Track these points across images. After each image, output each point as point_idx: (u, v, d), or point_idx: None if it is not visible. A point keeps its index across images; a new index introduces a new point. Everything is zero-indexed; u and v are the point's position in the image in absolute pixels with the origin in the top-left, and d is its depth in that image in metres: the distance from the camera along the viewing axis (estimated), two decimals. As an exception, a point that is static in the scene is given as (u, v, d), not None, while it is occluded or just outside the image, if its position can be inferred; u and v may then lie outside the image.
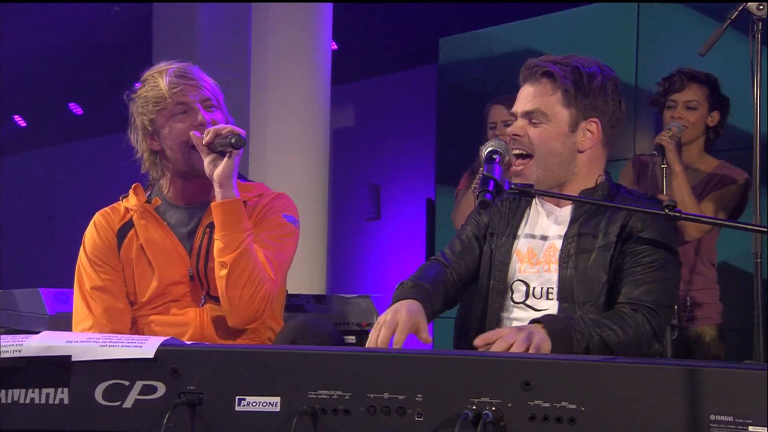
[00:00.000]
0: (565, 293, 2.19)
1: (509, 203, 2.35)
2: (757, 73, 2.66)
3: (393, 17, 7.47)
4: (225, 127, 2.27)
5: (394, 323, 2.03)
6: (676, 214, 1.98)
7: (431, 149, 6.13)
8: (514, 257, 2.28)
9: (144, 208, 2.38)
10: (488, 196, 1.94)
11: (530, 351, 1.90)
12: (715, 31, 2.76)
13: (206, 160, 2.28)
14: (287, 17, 5.52)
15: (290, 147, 5.46)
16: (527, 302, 2.24)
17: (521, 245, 2.29)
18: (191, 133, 2.30)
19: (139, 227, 2.36)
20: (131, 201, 2.40)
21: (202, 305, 2.33)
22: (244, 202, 2.36)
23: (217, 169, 2.26)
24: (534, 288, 2.24)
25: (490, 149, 2.13)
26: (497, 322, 2.26)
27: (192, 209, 2.39)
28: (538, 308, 2.23)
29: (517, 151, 2.25)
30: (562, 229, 2.26)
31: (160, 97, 2.30)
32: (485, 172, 2.00)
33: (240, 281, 2.21)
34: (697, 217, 2.21)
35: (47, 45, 8.43)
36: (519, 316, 2.25)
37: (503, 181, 2.01)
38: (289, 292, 3.64)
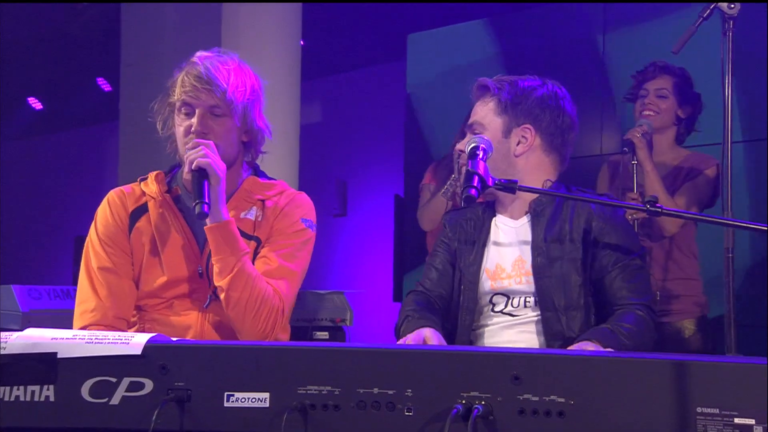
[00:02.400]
0: (546, 302, 2.28)
1: (474, 222, 2.45)
2: (728, 72, 2.71)
3: (361, 13, 7.47)
4: (195, 159, 2.20)
5: (421, 340, 2.12)
6: (658, 209, 2.01)
7: (399, 145, 6.15)
8: (483, 276, 2.37)
9: (164, 198, 2.33)
10: (473, 192, 1.97)
11: None
12: (688, 29, 2.80)
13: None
14: (256, 14, 5.50)
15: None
16: (505, 311, 2.34)
17: (489, 263, 2.38)
18: (177, 156, 2.28)
19: (154, 215, 2.30)
20: (151, 187, 2.34)
21: (207, 306, 2.29)
22: (263, 201, 2.33)
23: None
24: (513, 299, 2.33)
25: (473, 145, 2.16)
26: (468, 340, 2.36)
27: None
28: (516, 314, 2.33)
29: (461, 163, 2.36)
30: (526, 241, 2.36)
31: (172, 88, 2.29)
32: (469, 168, 2.03)
33: (240, 303, 2.19)
34: (680, 213, 2.24)
35: (9, 38, 8.31)
36: (499, 321, 2.35)
37: (487, 177, 2.03)
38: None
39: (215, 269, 2.22)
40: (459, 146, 2.40)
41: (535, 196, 2.37)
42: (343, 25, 7.84)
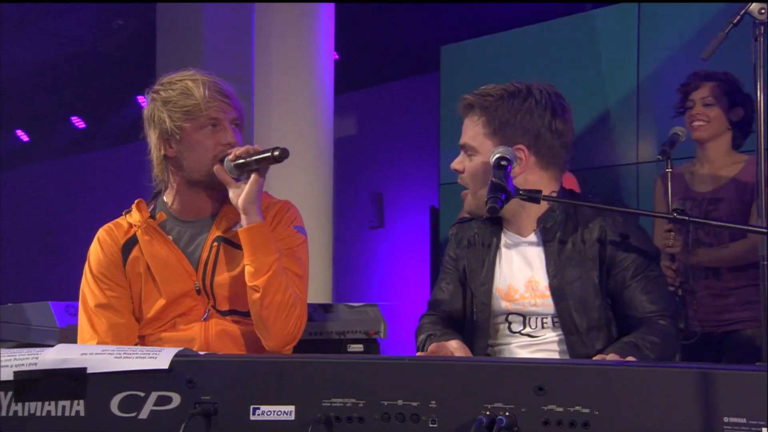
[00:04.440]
0: (567, 325, 2.23)
1: (481, 238, 2.37)
2: (760, 77, 2.67)
3: (395, 26, 7.50)
4: (256, 147, 2.26)
5: (449, 352, 2.09)
6: (684, 217, 1.99)
7: (434, 157, 6.15)
8: (496, 294, 2.31)
9: (148, 224, 2.34)
10: (498, 203, 1.96)
11: None
12: (718, 34, 2.77)
13: (231, 191, 2.26)
14: (289, 28, 5.54)
15: (294, 157, 5.43)
16: (524, 331, 2.29)
17: (500, 283, 2.31)
18: (215, 167, 2.27)
19: (143, 243, 2.32)
20: (134, 217, 2.35)
21: (205, 319, 2.31)
22: None
23: (240, 196, 2.24)
24: (529, 319, 2.28)
25: (498, 155, 2.14)
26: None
27: (198, 223, 2.36)
28: (536, 335, 2.28)
29: (460, 183, 2.32)
30: (537, 260, 2.28)
31: (194, 107, 2.26)
32: (494, 179, 2.01)
33: (274, 304, 2.20)
34: (704, 221, 2.20)
35: (50, 58, 8.47)
36: (518, 341, 2.30)
37: (511, 187, 2.02)
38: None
39: (249, 270, 2.22)
40: (455, 165, 2.32)
41: (543, 211, 2.28)
42: (377, 38, 7.87)
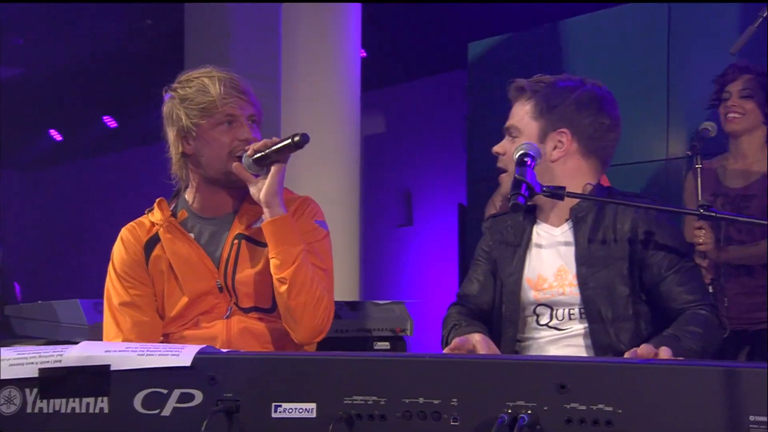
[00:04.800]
0: (592, 314, 2.22)
1: (514, 230, 2.39)
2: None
3: (421, 22, 7.48)
4: (273, 139, 2.26)
5: (470, 346, 2.08)
6: (711, 213, 1.96)
7: (462, 154, 6.13)
8: (525, 285, 2.32)
9: (169, 222, 2.35)
10: (521, 200, 1.95)
11: None
12: (747, 29, 2.74)
13: (251, 187, 2.26)
14: (316, 27, 5.55)
15: (321, 154, 5.48)
16: (551, 324, 2.29)
17: (530, 273, 2.32)
18: (234, 165, 2.27)
19: (165, 241, 2.33)
20: (156, 215, 2.36)
21: (228, 317, 2.31)
22: None
23: (262, 190, 2.24)
24: (557, 310, 2.28)
25: (521, 152, 2.14)
26: (513, 352, 2.31)
27: (219, 220, 2.36)
28: (562, 328, 2.27)
29: (499, 166, 2.34)
30: (567, 250, 2.29)
31: (210, 104, 2.26)
32: (517, 175, 2.01)
33: (301, 295, 2.20)
34: (732, 217, 2.17)
35: (80, 59, 8.54)
36: (545, 335, 2.30)
37: (535, 183, 2.01)
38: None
39: (275, 262, 2.22)
40: (496, 148, 2.35)
41: (576, 202, 2.29)
42: (404, 36, 7.85)
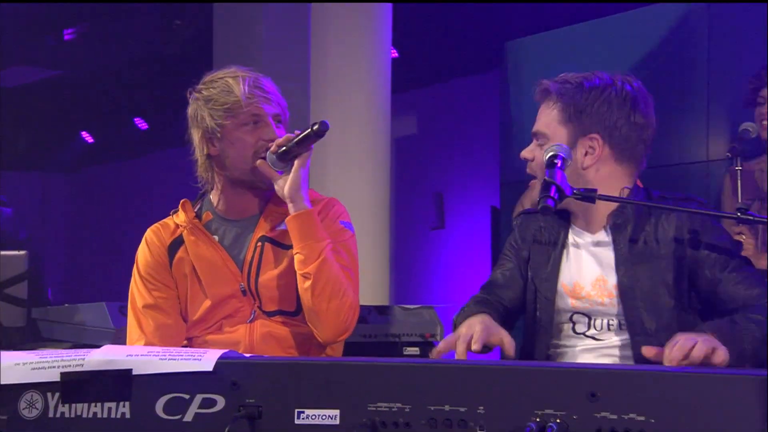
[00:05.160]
0: (634, 326, 2.16)
1: (548, 232, 2.32)
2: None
3: (456, 21, 7.44)
4: (284, 137, 2.27)
5: (469, 335, 2.00)
6: (749, 217, 1.92)
7: (495, 156, 6.10)
8: (561, 291, 2.26)
9: (193, 224, 2.36)
10: (550, 202, 1.93)
11: (712, 356, 1.81)
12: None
13: (276, 184, 2.27)
14: (346, 27, 5.55)
15: (351, 156, 5.48)
16: (588, 333, 2.23)
17: (566, 279, 2.26)
18: (258, 162, 2.28)
19: (189, 243, 2.34)
20: (180, 217, 2.37)
21: (251, 321, 2.31)
22: None
23: (285, 185, 2.25)
24: (594, 320, 2.23)
25: (550, 153, 2.11)
26: (546, 358, 2.26)
27: (243, 223, 2.36)
28: (600, 339, 2.22)
29: (529, 172, 2.28)
30: (606, 258, 2.22)
31: (234, 104, 2.27)
32: (547, 177, 1.98)
33: (326, 291, 2.20)
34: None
35: (111, 60, 8.62)
36: (581, 344, 2.25)
37: (565, 186, 1.99)
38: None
39: (299, 258, 2.23)
40: (524, 153, 2.28)
41: (614, 207, 2.22)
42: (437, 35, 7.82)
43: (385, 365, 1.60)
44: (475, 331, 2.00)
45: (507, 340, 2.03)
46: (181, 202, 2.41)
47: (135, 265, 2.39)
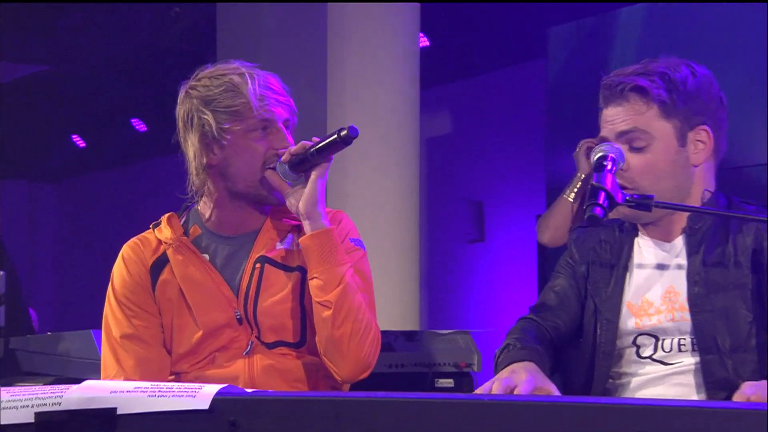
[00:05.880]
0: (706, 343, 2.15)
1: (610, 245, 2.32)
2: None
3: (493, 5, 7.44)
4: (314, 140, 2.25)
5: (513, 384, 1.98)
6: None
7: (540, 158, 6.07)
8: (625, 311, 2.25)
9: (180, 242, 2.33)
10: (598, 211, 1.91)
11: None
12: None
13: (288, 198, 2.25)
14: (367, 10, 5.55)
15: (375, 159, 5.48)
16: (656, 357, 2.22)
17: (631, 297, 2.26)
18: (267, 173, 2.26)
19: (175, 263, 2.30)
20: (165, 233, 2.33)
21: (247, 353, 2.29)
22: (297, 227, 2.33)
23: (300, 200, 2.23)
24: (663, 341, 2.22)
25: (600, 155, 2.10)
26: (605, 389, 2.24)
27: (238, 240, 2.34)
28: (669, 362, 2.21)
29: (625, 185, 2.23)
30: (679, 268, 2.23)
31: (243, 106, 2.23)
32: (594, 182, 1.97)
33: (348, 322, 2.19)
34: None
35: (104, 56, 8.69)
36: (647, 371, 2.23)
37: (615, 192, 1.97)
38: (374, 329, 3.62)
39: (316, 283, 2.21)
40: (624, 170, 2.21)
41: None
42: (472, 22, 7.83)
43: (408, 401, 1.57)
44: (520, 380, 1.99)
45: (553, 391, 2.02)
46: (167, 215, 2.38)
47: (110, 286, 2.34)
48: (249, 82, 2.24)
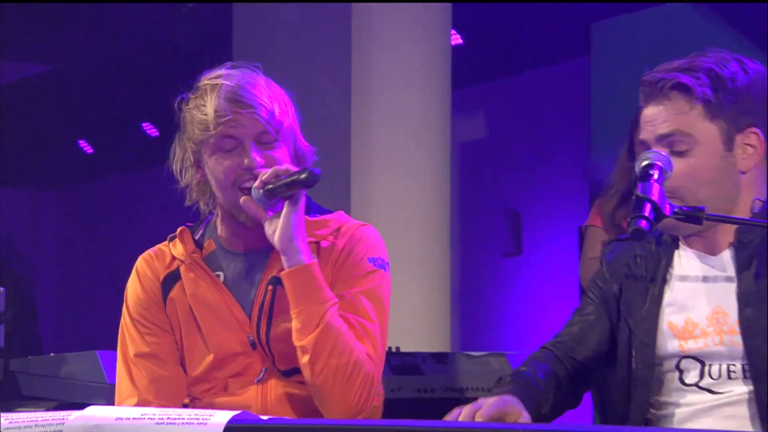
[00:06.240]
0: (758, 370, 2.12)
1: (646, 260, 2.29)
2: None
3: (531, 2, 7.45)
4: (284, 167, 2.24)
5: (479, 407, 2.01)
6: None
7: (584, 164, 6.06)
8: (665, 331, 2.23)
9: (192, 259, 2.35)
10: (643, 224, 1.90)
11: None
12: None
13: (266, 226, 2.26)
14: (395, 7, 5.56)
15: (403, 166, 5.48)
16: (702, 384, 2.19)
17: (672, 316, 2.23)
18: (241, 200, 2.27)
19: (187, 281, 2.33)
20: (178, 248, 2.37)
21: (260, 380, 2.30)
22: (317, 242, 2.32)
23: (275, 234, 2.24)
24: (710, 366, 2.18)
25: (645, 162, 2.08)
26: (645, 420, 2.21)
27: (251, 257, 2.36)
28: (718, 391, 2.17)
29: (671, 193, 2.20)
30: (727, 285, 2.20)
31: (205, 124, 2.26)
32: (639, 193, 1.95)
33: (329, 368, 2.19)
34: None
35: (113, 57, 8.72)
36: (692, 400, 2.19)
37: (663, 203, 1.96)
38: (401, 349, 3.62)
39: (295, 325, 2.22)
40: (672, 180, 2.18)
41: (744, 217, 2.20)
42: (508, 17, 7.81)
43: (420, 428, 1.57)
44: (486, 403, 2.02)
45: (516, 417, 2.02)
46: (179, 230, 2.40)
47: (125, 302, 2.39)
48: (212, 93, 2.25)
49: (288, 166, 2.25)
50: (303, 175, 2.21)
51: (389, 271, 2.37)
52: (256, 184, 2.25)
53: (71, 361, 3.39)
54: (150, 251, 2.42)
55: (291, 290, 2.23)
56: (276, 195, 2.25)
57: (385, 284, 2.35)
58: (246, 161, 2.27)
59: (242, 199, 2.27)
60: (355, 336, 2.24)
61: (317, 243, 2.33)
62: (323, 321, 2.20)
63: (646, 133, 2.24)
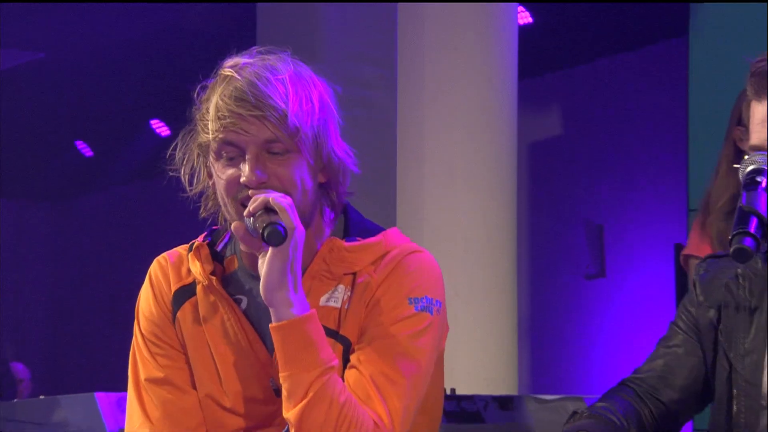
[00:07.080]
0: None
1: (750, 282, 2.27)
2: None
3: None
4: (259, 200, 2.20)
5: None
6: None
7: (680, 170, 6.02)
8: None
9: (210, 281, 2.34)
10: (748, 242, 1.89)
11: None
12: None
13: (259, 261, 2.20)
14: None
15: (459, 170, 5.48)
16: None
17: None
18: (232, 226, 2.22)
19: (203, 304, 2.30)
20: (196, 266, 2.36)
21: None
22: (353, 275, 2.29)
23: (261, 280, 2.18)
24: None
25: (752, 167, 2.08)
26: None
27: None
28: None
29: None
30: None
31: (205, 126, 2.25)
32: (744, 205, 1.95)
33: None
34: None
35: (117, 45, 8.80)
36: None
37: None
38: (458, 392, 3.61)
39: (283, 392, 2.19)
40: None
41: None
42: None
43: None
44: None
45: None
46: (196, 245, 2.38)
47: (136, 315, 2.37)
48: (218, 87, 2.19)
49: (274, 198, 2.21)
50: (265, 233, 2.16)
51: (442, 313, 2.32)
52: (246, 211, 2.22)
53: (65, 405, 3.42)
54: (166, 254, 2.37)
55: (278, 348, 2.18)
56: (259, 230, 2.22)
57: (431, 331, 2.28)
58: (242, 177, 2.24)
59: (233, 225, 2.23)
60: (361, 398, 2.21)
61: (353, 275, 2.30)
62: (311, 390, 2.18)
63: (754, 137, 2.23)
